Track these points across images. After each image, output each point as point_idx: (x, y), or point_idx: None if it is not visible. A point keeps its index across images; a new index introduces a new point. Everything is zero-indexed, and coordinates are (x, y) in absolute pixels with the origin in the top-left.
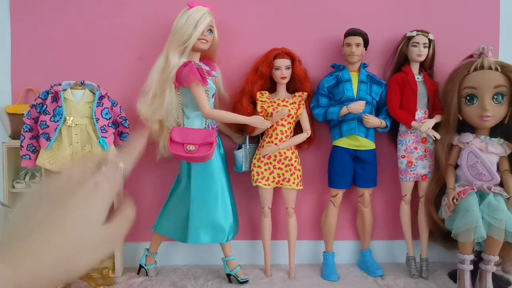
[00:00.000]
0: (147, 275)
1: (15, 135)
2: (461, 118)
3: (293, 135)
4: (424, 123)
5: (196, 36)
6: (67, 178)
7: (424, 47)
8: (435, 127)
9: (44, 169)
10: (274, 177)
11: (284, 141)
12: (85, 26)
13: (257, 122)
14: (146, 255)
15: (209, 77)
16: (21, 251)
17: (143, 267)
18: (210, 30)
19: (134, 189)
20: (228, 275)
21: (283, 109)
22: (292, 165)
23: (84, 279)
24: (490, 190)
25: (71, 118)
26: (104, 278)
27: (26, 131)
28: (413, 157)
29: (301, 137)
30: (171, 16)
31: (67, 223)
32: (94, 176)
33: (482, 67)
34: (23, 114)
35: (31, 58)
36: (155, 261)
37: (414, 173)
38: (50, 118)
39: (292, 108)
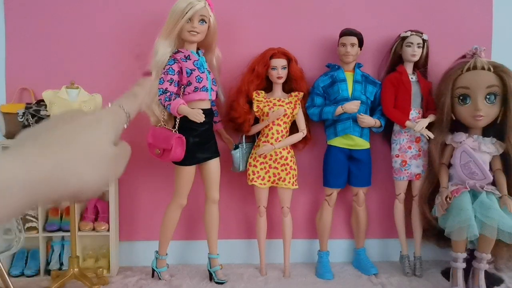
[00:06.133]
0: (159, 278)
1: (9, 135)
2: (454, 118)
3: (289, 135)
4: (418, 122)
5: (181, 25)
6: (77, 110)
7: (418, 47)
8: (429, 127)
9: None
10: (269, 177)
11: (280, 140)
12: (80, 25)
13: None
14: (156, 258)
15: (209, 73)
16: (31, 148)
17: (155, 270)
18: (203, 20)
19: (129, 187)
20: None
21: (279, 109)
22: (287, 164)
23: (79, 279)
24: (482, 189)
25: None
26: (99, 278)
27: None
28: (407, 156)
29: (297, 137)
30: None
31: (79, 132)
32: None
33: (475, 67)
34: (17, 113)
35: (25, 57)
36: (167, 264)
37: (408, 172)
38: None
39: (288, 107)
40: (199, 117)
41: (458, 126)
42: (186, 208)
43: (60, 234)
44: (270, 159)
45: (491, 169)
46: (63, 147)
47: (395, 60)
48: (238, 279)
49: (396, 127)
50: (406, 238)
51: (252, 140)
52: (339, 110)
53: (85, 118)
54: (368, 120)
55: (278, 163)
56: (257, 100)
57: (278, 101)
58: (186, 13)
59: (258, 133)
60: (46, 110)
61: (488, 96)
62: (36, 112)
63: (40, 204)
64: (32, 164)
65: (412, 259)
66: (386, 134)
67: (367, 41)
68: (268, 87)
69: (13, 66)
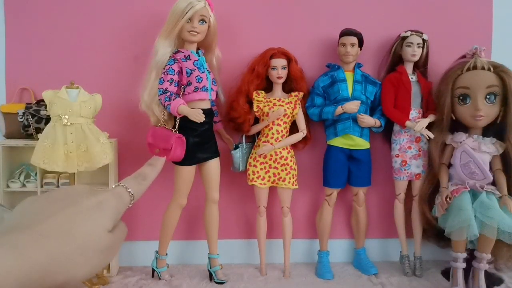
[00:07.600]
0: (159, 278)
1: (9, 135)
2: (454, 118)
3: (289, 135)
4: (418, 122)
5: (181, 25)
6: (81, 188)
7: (418, 47)
8: (429, 127)
9: (39, 169)
10: (269, 177)
11: (280, 140)
12: (80, 25)
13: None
14: (156, 258)
15: (209, 73)
16: (27, 239)
17: (155, 270)
18: (203, 20)
19: None
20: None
21: (279, 109)
22: (287, 164)
23: None
24: (482, 189)
25: (66, 117)
26: (99, 278)
27: None
28: (407, 156)
29: (297, 137)
30: (168, 14)
31: (78, 221)
32: (102, 193)
33: (475, 67)
34: (17, 113)
35: (25, 57)
36: (167, 264)
37: (408, 172)
38: None
39: (288, 107)
40: (199, 117)
41: (458, 126)
42: (186, 208)
43: None
44: (270, 159)
45: (491, 169)
46: (59, 239)
47: (395, 60)
48: (238, 279)
49: (396, 127)
50: (406, 238)
51: (252, 140)
52: (339, 110)
53: (86, 202)
54: (368, 120)
55: (278, 163)
56: (257, 100)
57: (278, 101)
58: (186, 13)
59: (258, 133)
60: (46, 110)
61: (488, 96)
62: (36, 112)
63: None
64: (26, 259)
65: (412, 259)
66: (386, 134)
67: (367, 41)
68: (268, 87)
69: (13, 66)
